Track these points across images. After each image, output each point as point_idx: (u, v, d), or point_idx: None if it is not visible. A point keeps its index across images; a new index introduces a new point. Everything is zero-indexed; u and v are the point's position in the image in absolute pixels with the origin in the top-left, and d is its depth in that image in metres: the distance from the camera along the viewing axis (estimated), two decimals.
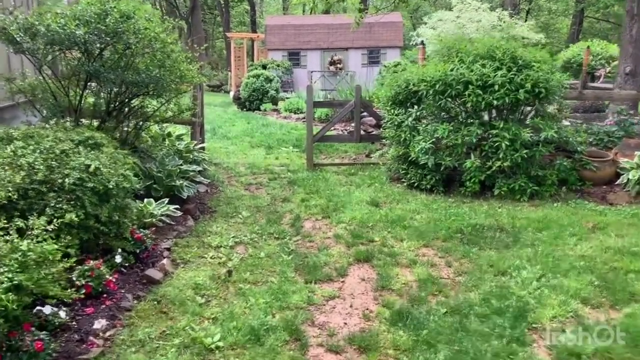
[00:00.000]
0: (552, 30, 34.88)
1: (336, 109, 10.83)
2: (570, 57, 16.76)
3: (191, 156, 6.86)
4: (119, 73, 5.17)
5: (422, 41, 11.13)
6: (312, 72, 21.84)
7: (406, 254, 4.92)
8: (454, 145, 6.36)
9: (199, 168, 6.52)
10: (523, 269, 4.49)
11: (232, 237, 5.27)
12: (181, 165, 6.11)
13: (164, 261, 4.40)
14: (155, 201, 5.50)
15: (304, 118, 15.10)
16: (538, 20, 29.91)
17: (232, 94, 21.14)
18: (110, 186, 3.95)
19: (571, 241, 5.07)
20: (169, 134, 7.92)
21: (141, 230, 4.56)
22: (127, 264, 4.24)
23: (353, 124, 11.24)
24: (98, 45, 4.90)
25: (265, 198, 6.85)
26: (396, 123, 7.06)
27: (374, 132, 10.31)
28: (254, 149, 10.16)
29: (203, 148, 7.84)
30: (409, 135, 6.81)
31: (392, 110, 7.25)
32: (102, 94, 5.64)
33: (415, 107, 6.92)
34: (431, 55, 17.46)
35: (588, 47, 11.48)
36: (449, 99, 6.43)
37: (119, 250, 4.20)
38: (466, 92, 6.25)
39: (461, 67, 6.45)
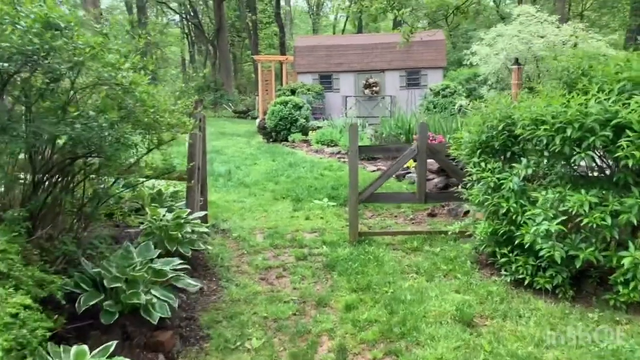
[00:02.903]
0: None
1: (390, 154, 8.52)
2: None
3: (179, 235, 4.59)
4: (37, 124, 2.96)
5: (517, 59, 8.54)
6: (346, 97, 19.65)
7: None
8: (597, 226, 3.87)
9: (183, 262, 4.18)
10: None
11: None
12: (152, 260, 3.83)
13: None
14: (106, 333, 3.25)
15: (338, 152, 12.82)
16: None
17: (258, 121, 19.16)
18: None
19: None
20: (159, 193, 5.73)
21: None
22: None
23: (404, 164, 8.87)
24: None
25: (290, 299, 4.49)
26: (491, 185, 4.60)
27: (434, 180, 7.88)
28: (277, 203, 7.84)
29: (205, 219, 5.56)
30: (514, 205, 4.35)
31: (482, 163, 4.80)
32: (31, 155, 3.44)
33: (524, 160, 4.44)
34: (488, 77, 15.00)
35: None
36: (589, 152, 3.95)
37: None
38: (621, 142, 3.78)
39: (604, 100, 3.98)
